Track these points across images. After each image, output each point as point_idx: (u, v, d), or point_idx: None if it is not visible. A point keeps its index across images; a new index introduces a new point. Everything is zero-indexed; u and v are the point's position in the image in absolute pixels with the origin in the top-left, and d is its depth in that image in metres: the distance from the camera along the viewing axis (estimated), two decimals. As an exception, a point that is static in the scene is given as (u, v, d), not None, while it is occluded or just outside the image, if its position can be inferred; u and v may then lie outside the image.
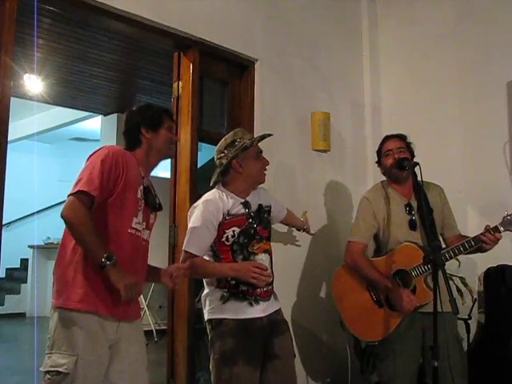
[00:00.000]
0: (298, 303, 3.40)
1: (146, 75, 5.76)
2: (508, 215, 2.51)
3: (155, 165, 2.20)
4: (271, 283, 2.42)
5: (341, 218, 3.79)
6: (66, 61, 5.23)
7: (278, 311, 2.48)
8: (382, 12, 4.25)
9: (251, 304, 2.35)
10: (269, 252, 2.47)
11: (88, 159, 1.97)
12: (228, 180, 2.46)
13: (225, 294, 2.35)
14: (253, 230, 2.41)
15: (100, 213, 1.92)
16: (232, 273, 2.32)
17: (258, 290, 2.35)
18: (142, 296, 6.36)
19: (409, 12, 4.08)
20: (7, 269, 9.01)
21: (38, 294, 7.66)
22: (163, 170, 3.22)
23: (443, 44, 3.84)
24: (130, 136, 2.14)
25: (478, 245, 2.55)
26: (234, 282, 2.34)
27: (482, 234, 2.55)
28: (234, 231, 2.36)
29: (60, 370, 1.82)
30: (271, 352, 2.37)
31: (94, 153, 1.98)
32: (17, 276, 8.97)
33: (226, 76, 3.36)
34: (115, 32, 3.88)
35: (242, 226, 2.39)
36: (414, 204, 2.74)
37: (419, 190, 2.65)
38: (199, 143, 3.12)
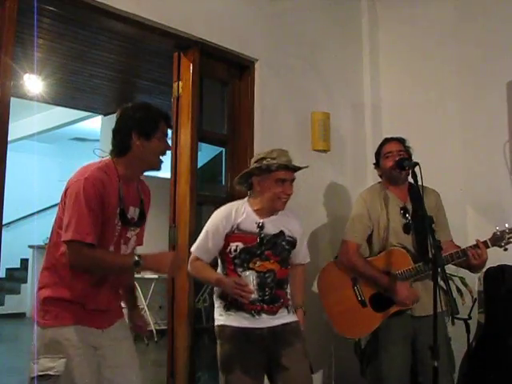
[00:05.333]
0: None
1: (145, 75, 5.75)
2: (498, 231, 2.52)
3: (138, 176, 2.09)
4: (270, 301, 2.35)
5: (341, 217, 3.77)
6: (65, 61, 5.22)
7: (289, 323, 2.41)
8: (381, 12, 4.24)
9: (253, 315, 2.33)
10: (274, 272, 2.37)
11: (69, 185, 1.88)
12: (253, 194, 2.45)
13: (227, 303, 2.36)
14: (259, 251, 2.36)
15: None
16: (218, 285, 2.33)
17: (258, 305, 2.33)
18: (142, 296, 6.43)
19: (409, 12, 4.07)
20: (7, 269, 9.01)
21: (38, 294, 7.65)
22: (163, 170, 3.23)
23: (443, 44, 3.83)
24: (119, 139, 1.99)
25: (464, 258, 2.54)
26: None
27: (470, 246, 2.55)
28: (237, 246, 2.35)
29: (50, 373, 1.80)
30: (278, 364, 2.33)
31: (76, 181, 1.87)
32: (17, 276, 8.96)
33: (226, 76, 3.35)
34: (115, 32, 3.87)
35: (248, 244, 2.35)
36: (410, 207, 2.75)
37: (418, 192, 2.61)
38: (199, 143, 3.12)
